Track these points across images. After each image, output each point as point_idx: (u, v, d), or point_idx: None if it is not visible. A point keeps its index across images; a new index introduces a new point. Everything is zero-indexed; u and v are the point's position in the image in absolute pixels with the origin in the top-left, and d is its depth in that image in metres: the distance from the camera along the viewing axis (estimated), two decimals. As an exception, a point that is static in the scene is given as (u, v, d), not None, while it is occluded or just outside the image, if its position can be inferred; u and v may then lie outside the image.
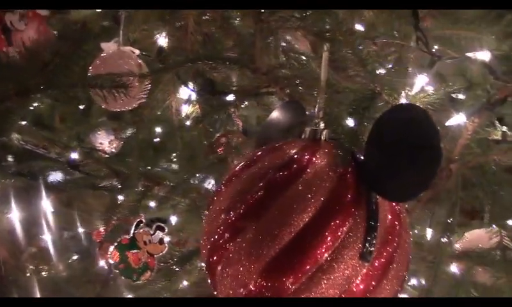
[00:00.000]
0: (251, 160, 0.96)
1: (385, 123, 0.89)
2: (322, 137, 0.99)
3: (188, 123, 1.54)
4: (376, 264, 0.87)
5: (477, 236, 1.45)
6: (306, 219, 0.85)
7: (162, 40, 1.44)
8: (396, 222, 0.92)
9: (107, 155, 1.93)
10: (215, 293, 0.96)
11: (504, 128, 1.10)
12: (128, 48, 1.43)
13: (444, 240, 1.11)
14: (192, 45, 1.24)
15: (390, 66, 0.97)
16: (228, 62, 1.21)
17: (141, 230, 1.56)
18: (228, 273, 0.89)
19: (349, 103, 0.89)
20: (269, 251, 0.85)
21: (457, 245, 1.33)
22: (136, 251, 1.55)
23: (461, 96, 0.97)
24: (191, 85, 1.41)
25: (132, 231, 1.56)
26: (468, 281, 1.39)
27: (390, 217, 0.91)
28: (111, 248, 1.56)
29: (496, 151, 1.07)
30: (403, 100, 0.93)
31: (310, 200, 0.86)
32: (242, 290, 0.88)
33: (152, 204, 1.57)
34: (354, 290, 0.87)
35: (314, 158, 0.91)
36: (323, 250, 0.84)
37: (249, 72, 1.15)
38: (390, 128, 0.88)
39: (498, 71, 0.90)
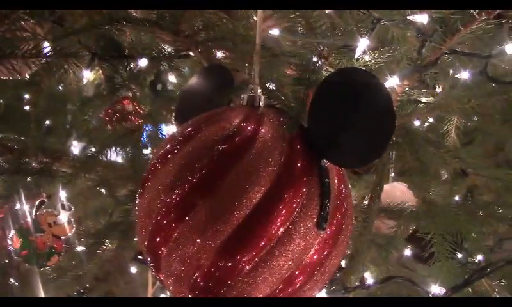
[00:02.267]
0: (189, 133, 0.89)
1: (332, 86, 0.86)
2: (261, 104, 0.94)
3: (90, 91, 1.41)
4: (329, 232, 0.86)
5: (387, 191, 1.51)
6: (260, 193, 0.81)
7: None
8: (343, 187, 0.90)
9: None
10: (156, 275, 0.90)
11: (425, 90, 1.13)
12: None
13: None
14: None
15: (337, 30, 0.94)
16: (140, 24, 1.11)
17: (44, 211, 1.41)
18: (177, 254, 0.83)
19: (291, 68, 0.84)
20: (223, 230, 0.80)
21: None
22: (39, 234, 1.41)
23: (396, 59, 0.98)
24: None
25: (33, 213, 1.41)
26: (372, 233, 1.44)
27: (337, 181, 0.89)
28: (11, 234, 1.40)
29: (420, 111, 1.10)
30: (346, 64, 0.91)
31: (262, 173, 0.82)
32: (195, 271, 0.82)
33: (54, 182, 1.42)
34: (308, 261, 0.85)
35: (261, 128, 0.86)
36: (279, 224, 0.81)
37: (171, 35, 1.06)
38: (338, 92, 0.85)
39: (430, 33, 0.91)
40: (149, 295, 1.66)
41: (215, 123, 0.88)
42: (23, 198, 1.41)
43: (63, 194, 1.42)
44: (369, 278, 1.38)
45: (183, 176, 0.83)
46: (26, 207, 1.43)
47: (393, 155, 1.36)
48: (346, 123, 0.84)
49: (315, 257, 0.85)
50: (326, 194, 0.84)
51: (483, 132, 1.70)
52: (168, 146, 0.90)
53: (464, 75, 1.24)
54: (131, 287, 1.86)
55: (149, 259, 0.89)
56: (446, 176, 1.38)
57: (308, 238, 0.83)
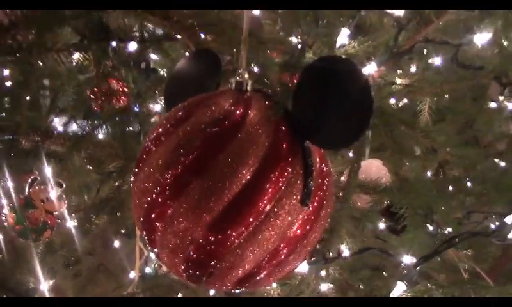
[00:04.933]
0: (181, 117, 0.95)
1: (314, 73, 0.92)
2: (248, 88, 1.00)
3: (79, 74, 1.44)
4: (311, 208, 0.93)
5: (364, 168, 1.59)
6: (249, 173, 0.87)
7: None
8: (324, 166, 0.97)
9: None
10: (152, 248, 0.96)
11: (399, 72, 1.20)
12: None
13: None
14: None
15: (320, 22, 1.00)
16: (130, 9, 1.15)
17: (37, 188, 1.46)
18: (171, 230, 0.89)
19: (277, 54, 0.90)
20: (215, 207, 0.87)
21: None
22: (32, 210, 1.46)
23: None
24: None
25: (26, 190, 1.46)
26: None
27: (318, 161, 0.96)
28: (5, 210, 1.44)
29: (395, 92, 1.17)
30: (328, 52, 0.97)
31: (250, 154, 0.88)
32: (188, 245, 0.89)
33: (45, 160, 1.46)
34: (292, 235, 0.92)
35: (249, 111, 0.92)
36: (265, 202, 0.88)
37: (160, 20, 1.11)
38: (320, 77, 0.91)
39: (406, 23, 0.98)
40: (136, 269, 1.73)
41: (205, 107, 0.94)
42: (16, 176, 1.45)
43: (52, 171, 1.46)
44: (346, 250, 1.46)
45: (176, 157, 0.89)
46: (19, 184, 1.47)
47: (370, 134, 1.44)
48: (327, 108, 0.90)
49: (298, 231, 0.92)
50: (309, 173, 0.91)
51: (453, 111, 1.78)
52: (161, 128, 0.96)
53: (437, 61, 1.31)
54: (118, 259, 1.92)
55: (144, 234, 0.96)
56: (418, 152, 1.46)
57: (292, 213, 0.90)
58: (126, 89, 1.65)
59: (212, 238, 0.88)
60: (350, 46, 0.95)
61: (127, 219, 1.65)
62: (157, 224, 0.92)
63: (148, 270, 2.00)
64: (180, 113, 0.96)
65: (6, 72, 1.67)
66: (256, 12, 1.30)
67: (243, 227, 0.87)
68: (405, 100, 1.63)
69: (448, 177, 1.63)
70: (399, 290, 1.14)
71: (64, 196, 1.46)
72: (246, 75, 1.01)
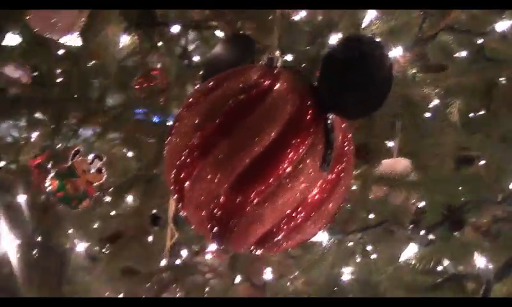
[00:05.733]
0: (212, 86, 1.02)
1: (340, 49, 0.99)
2: (278, 64, 1.07)
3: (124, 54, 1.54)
4: (329, 177, 0.99)
5: (390, 164, 1.63)
6: (271, 138, 0.93)
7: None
8: (346, 144, 1.03)
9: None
10: (181, 207, 1.04)
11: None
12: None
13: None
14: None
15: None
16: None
17: (80, 159, 1.56)
18: (198, 188, 0.96)
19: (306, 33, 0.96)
20: (238, 166, 0.93)
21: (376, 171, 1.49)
22: (74, 179, 1.56)
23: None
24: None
25: (69, 160, 1.56)
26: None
27: (341, 138, 1.01)
28: (50, 176, 1.55)
29: (419, 83, 1.21)
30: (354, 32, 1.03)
31: (274, 120, 0.94)
32: (212, 202, 0.96)
33: (88, 134, 1.57)
34: (310, 200, 0.97)
35: (276, 83, 0.99)
36: (285, 165, 0.94)
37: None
38: (345, 55, 0.97)
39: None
40: (166, 250, 1.80)
41: (235, 78, 1.01)
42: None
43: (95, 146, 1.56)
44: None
45: (205, 120, 0.96)
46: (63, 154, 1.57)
47: (399, 127, 1.47)
48: (351, 82, 0.96)
49: (316, 197, 0.98)
50: (330, 143, 0.97)
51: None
52: (193, 97, 1.03)
53: (463, 53, 1.34)
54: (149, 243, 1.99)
55: (175, 195, 1.03)
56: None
57: (311, 179, 0.95)
58: (166, 79, 1.74)
59: (234, 196, 0.94)
60: (375, 25, 1.00)
61: (159, 200, 1.73)
62: (186, 183, 0.99)
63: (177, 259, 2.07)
64: (211, 83, 1.03)
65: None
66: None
67: (263, 187, 0.93)
68: (436, 101, 1.66)
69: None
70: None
71: (104, 169, 1.55)
72: (277, 53, 1.07)
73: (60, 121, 1.43)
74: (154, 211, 1.79)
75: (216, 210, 0.97)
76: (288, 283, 1.83)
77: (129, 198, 1.71)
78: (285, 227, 0.98)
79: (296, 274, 1.85)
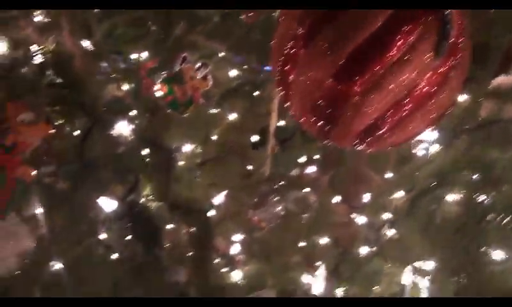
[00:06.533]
0: None
1: None
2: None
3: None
4: (439, 71, 0.94)
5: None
6: (378, 23, 0.90)
7: None
8: (460, 40, 0.97)
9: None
10: (286, 99, 1.04)
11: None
12: None
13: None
14: None
15: None
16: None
17: (187, 65, 1.62)
18: (303, 77, 0.96)
19: None
20: (342, 52, 0.91)
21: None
22: (182, 84, 1.62)
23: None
24: None
25: (178, 66, 1.62)
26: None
27: (456, 33, 0.96)
28: (159, 81, 1.63)
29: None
30: None
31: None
32: (316, 92, 0.95)
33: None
34: (417, 93, 0.94)
35: None
36: (393, 52, 0.91)
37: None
38: None
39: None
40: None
41: None
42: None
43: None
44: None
45: (309, 11, 0.96)
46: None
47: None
48: None
49: (425, 89, 0.94)
50: (445, 34, 0.92)
51: None
52: None
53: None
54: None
55: (279, 85, 1.04)
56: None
57: (419, 68, 0.92)
58: None
59: (339, 85, 0.93)
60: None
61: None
62: (291, 75, 0.99)
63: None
64: None
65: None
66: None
67: (368, 75, 0.91)
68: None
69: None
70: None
71: (209, 76, 1.60)
72: None
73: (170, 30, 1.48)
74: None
75: (320, 101, 0.97)
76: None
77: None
78: (389, 119, 0.96)
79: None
